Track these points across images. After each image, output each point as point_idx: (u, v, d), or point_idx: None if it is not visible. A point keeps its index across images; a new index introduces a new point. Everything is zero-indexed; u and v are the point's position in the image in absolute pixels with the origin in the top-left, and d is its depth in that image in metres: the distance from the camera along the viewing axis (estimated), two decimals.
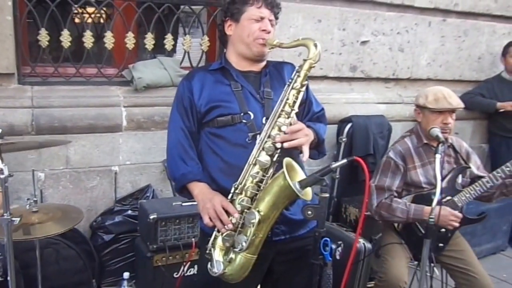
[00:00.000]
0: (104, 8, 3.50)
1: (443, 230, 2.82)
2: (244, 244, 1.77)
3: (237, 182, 1.85)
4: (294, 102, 1.88)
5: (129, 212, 3.29)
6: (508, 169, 2.76)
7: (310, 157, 1.98)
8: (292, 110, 1.88)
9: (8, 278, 2.16)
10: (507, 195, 2.91)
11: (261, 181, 1.82)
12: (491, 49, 4.84)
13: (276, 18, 2.09)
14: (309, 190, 1.79)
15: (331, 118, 4.00)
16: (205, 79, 2.04)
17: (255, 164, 1.83)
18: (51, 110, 3.20)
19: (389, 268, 2.81)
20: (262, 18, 2.00)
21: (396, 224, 2.95)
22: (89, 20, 3.44)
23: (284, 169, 1.72)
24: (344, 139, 3.93)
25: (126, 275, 3.07)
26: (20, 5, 3.16)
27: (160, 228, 2.92)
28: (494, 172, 2.78)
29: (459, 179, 2.90)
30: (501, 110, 4.52)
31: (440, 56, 4.62)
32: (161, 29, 3.65)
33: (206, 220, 1.85)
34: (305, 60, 1.93)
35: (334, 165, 1.77)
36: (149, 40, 3.51)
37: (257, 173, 1.82)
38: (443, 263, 2.94)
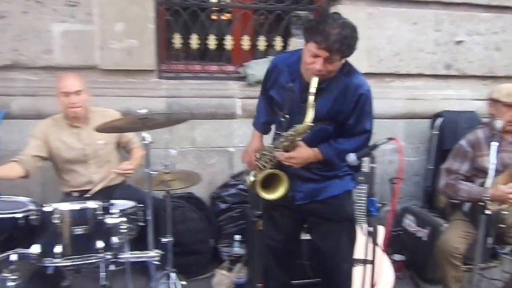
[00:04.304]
0: (226, 15, 4.18)
1: (505, 212, 3.04)
2: (251, 178, 2.59)
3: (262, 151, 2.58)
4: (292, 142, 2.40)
5: (241, 186, 3.85)
6: None
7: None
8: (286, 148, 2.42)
9: (148, 217, 2.75)
10: None
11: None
12: None
13: (342, 56, 2.23)
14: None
15: (426, 113, 4.37)
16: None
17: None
18: (181, 99, 3.92)
19: (444, 236, 3.20)
20: (316, 55, 2.19)
21: (464, 206, 3.22)
22: (213, 25, 4.10)
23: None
24: (435, 132, 4.25)
25: (237, 237, 3.69)
26: (160, 15, 3.92)
27: None
28: None
29: None
30: None
31: None
32: (274, 31, 4.23)
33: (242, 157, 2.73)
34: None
35: (379, 142, 2.31)
36: (262, 42, 4.11)
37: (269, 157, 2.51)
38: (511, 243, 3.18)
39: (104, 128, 2.83)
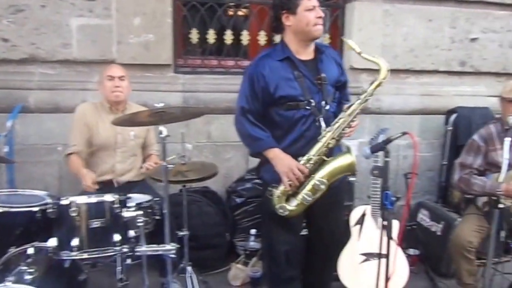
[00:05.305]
0: (242, 10, 4.21)
1: None
2: (310, 199, 2.49)
3: (309, 154, 2.48)
4: (357, 111, 2.49)
5: (257, 180, 3.79)
6: None
7: None
8: (356, 115, 2.49)
9: (164, 211, 2.75)
10: None
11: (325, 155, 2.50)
12: None
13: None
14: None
15: (440, 109, 4.40)
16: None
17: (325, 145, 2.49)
18: (198, 94, 3.94)
19: (458, 230, 3.22)
20: (314, 7, 2.45)
21: (477, 200, 3.24)
22: (229, 21, 4.11)
23: (352, 153, 2.47)
24: (449, 128, 4.28)
25: (253, 231, 3.71)
26: (177, 10, 3.94)
27: None
28: None
29: None
30: None
31: None
32: None
33: (284, 180, 2.47)
34: (374, 81, 2.49)
35: (393, 137, 2.38)
36: (278, 37, 4.08)
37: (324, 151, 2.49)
38: None
39: (120, 121, 2.86)
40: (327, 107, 2.54)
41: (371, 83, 2.50)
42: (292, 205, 2.51)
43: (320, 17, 2.46)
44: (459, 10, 4.38)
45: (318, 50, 2.60)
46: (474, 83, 4.58)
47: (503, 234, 2.90)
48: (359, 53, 2.47)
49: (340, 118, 2.48)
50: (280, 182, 2.52)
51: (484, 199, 3.16)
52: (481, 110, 4.32)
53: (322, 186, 2.46)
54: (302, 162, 2.47)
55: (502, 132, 3.17)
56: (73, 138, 3.32)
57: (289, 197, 2.53)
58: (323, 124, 2.50)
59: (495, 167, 3.12)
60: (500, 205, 2.83)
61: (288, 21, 2.49)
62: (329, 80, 2.56)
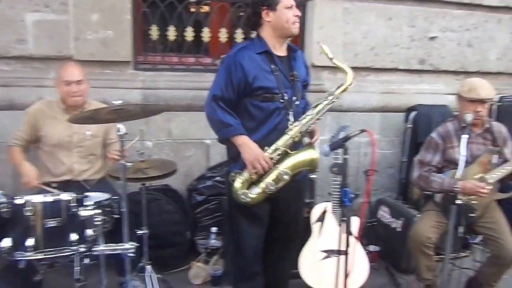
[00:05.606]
0: (203, 7, 4.16)
1: (475, 202, 3.07)
2: (273, 188, 2.54)
3: (276, 145, 2.55)
4: (324, 111, 2.63)
5: (218, 178, 3.86)
6: None
7: None
8: (322, 115, 2.63)
9: (123, 209, 2.72)
10: None
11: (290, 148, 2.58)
12: None
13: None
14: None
15: (400, 107, 4.45)
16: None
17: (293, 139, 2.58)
18: (158, 91, 3.89)
19: (417, 226, 3.26)
20: (292, 6, 2.56)
21: (436, 196, 3.27)
22: (190, 17, 4.08)
23: (316, 150, 2.60)
24: (409, 126, 4.34)
25: (214, 229, 3.70)
26: (137, 6, 3.89)
27: None
28: None
29: (494, 159, 3.18)
30: None
31: (510, 52, 4.81)
32: None
33: (249, 168, 2.52)
34: (341, 85, 2.64)
35: (352, 134, 2.47)
36: (239, 35, 4.12)
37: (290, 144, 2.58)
38: (481, 232, 3.25)
39: (77, 119, 2.82)
40: (297, 102, 2.65)
41: (338, 87, 2.64)
42: (254, 193, 2.56)
43: (297, 16, 2.58)
44: (418, 9, 4.45)
45: (291, 49, 2.70)
46: (433, 81, 4.65)
47: (461, 229, 2.94)
48: (330, 59, 2.60)
49: (308, 115, 2.60)
50: (244, 169, 2.57)
51: (442, 195, 3.19)
52: (440, 108, 4.39)
53: (286, 177, 2.52)
54: (269, 151, 2.54)
55: (459, 129, 3.21)
56: (19, 132, 3.28)
57: (251, 184, 2.58)
58: (291, 119, 2.60)
59: (453, 164, 3.16)
60: (458, 201, 2.87)
61: (268, 17, 2.58)
62: (300, 76, 2.70)
